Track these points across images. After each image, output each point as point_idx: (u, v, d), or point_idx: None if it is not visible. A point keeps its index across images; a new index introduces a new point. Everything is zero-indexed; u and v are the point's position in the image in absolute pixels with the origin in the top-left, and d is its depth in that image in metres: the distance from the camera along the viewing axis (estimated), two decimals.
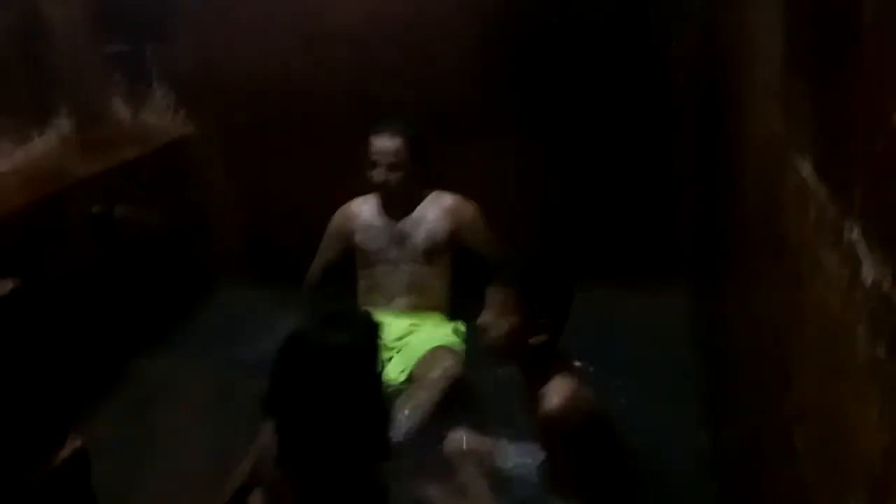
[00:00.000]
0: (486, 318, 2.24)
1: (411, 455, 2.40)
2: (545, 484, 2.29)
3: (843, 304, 1.08)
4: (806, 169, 1.31)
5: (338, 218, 3.45)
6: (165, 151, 3.52)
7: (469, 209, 3.35)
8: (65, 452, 1.79)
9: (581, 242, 3.44)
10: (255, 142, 3.70)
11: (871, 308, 0.97)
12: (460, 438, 2.54)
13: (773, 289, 1.62)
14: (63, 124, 3.13)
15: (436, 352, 3.04)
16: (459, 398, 2.83)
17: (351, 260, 3.42)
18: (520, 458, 2.42)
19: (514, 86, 3.53)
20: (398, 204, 3.32)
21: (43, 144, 3.02)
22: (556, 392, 2.12)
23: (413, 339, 3.16)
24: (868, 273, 0.98)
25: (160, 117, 3.63)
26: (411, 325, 3.23)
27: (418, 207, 3.33)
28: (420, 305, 3.29)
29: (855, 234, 1.03)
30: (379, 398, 1.91)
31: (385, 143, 3.21)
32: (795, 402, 1.40)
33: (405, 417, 2.68)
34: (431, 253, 3.29)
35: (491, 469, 2.45)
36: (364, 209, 3.39)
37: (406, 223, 3.32)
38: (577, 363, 2.34)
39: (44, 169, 2.93)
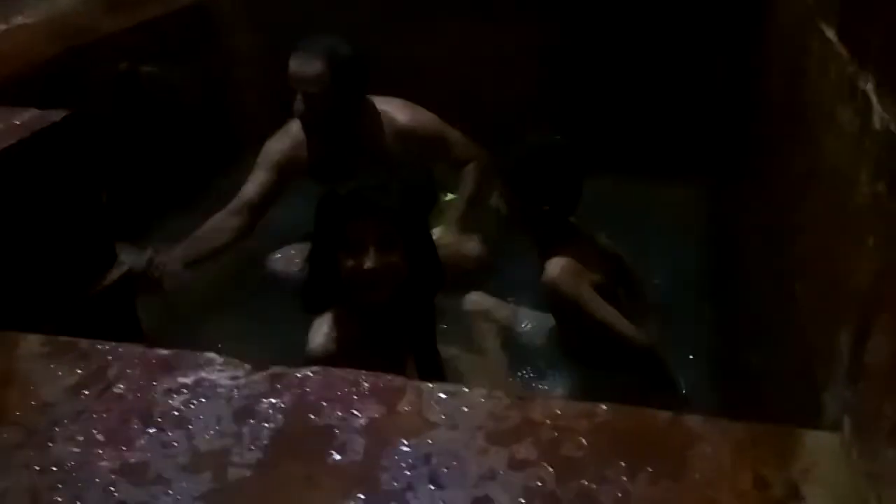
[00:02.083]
0: (496, 199, 2.34)
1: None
2: (554, 347, 2.40)
3: (852, 152, 1.16)
4: (830, 33, 1.37)
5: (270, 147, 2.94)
6: (191, 11, 3.50)
7: (426, 127, 2.85)
8: (113, 275, 1.89)
9: (598, 130, 3.29)
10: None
11: (876, 151, 1.05)
12: (477, 300, 2.65)
13: (788, 156, 1.69)
14: None
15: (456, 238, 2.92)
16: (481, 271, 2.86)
17: None
18: (533, 321, 2.53)
19: None
20: (325, 139, 2.80)
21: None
22: (553, 265, 2.21)
23: None
24: (877, 119, 1.06)
25: None
26: None
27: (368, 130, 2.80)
28: None
29: (869, 85, 1.11)
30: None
31: (303, 68, 2.64)
32: (799, 255, 1.49)
33: None
34: None
35: (505, 329, 2.56)
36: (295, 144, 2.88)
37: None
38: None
39: (69, 23, 2.92)
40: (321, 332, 1.88)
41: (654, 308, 2.50)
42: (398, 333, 1.95)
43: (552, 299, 2.25)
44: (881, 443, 0.95)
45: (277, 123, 3.02)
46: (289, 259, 2.82)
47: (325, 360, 1.79)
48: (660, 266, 2.80)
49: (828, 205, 1.30)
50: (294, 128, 2.84)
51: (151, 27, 3.19)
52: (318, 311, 1.93)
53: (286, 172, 2.86)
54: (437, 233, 2.87)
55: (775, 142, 1.89)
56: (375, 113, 2.82)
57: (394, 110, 2.83)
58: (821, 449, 1.09)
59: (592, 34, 3.40)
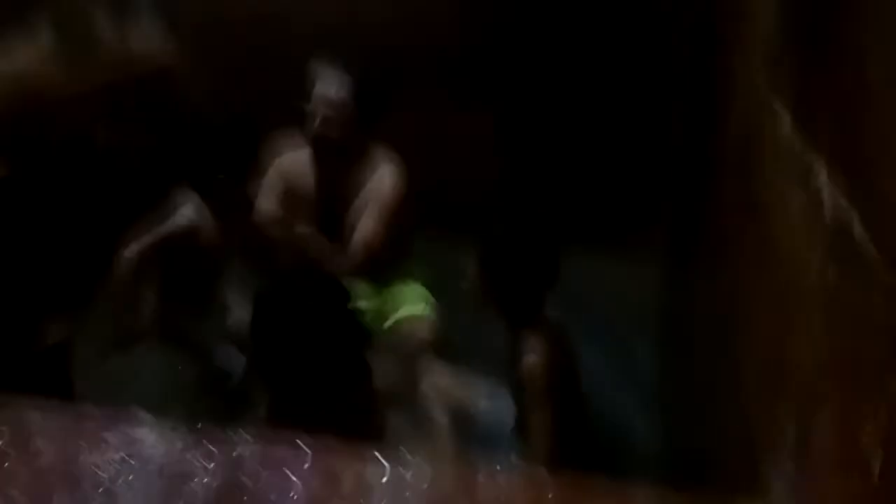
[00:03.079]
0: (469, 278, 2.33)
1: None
2: (513, 429, 2.35)
3: (803, 237, 1.17)
4: (784, 116, 1.40)
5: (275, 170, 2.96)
6: (152, 79, 3.45)
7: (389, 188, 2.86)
8: (52, 337, 1.86)
9: (557, 206, 3.25)
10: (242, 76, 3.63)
11: (828, 238, 1.06)
12: (434, 376, 2.61)
13: (741, 236, 1.71)
14: (46, 39, 3.06)
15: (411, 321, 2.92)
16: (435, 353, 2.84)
17: None
18: (495, 404, 2.49)
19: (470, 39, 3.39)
20: (333, 163, 2.83)
21: (24, 58, 2.96)
22: (535, 349, 2.19)
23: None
24: (829, 205, 1.07)
25: (148, 44, 3.56)
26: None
27: (357, 174, 2.86)
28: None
29: (821, 170, 1.12)
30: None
31: (330, 92, 2.70)
32: (749, 337, 1.50)
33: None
34: None
35: (462, 407, 2.52)
36: (301, 166, 2.90)
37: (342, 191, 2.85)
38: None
39: (25, 83, 2.87)
40: None
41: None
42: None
43: (527, 382, 2.22)
44: None
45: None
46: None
47: None
48: (609, 346, 2.84)
49: (778, 289, 1.31)
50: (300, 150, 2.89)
51: (110, 90, 3.14)
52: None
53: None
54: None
55: (728, 223, 1.91)
56: (373, 147, 2.87)
57: (389, 161, 2.88)
58: None
59: (541, 121, 3.48)
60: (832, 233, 1.04)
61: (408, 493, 1.10)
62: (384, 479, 1.12)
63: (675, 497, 1.12)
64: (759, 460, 1.24)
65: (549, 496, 1.11)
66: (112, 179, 3.05)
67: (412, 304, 2.95)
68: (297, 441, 1.17)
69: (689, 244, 2.73)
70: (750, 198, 1.64)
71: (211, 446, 1.15)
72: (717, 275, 2.01)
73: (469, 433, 2.42)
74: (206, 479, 1.10)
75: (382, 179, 2.84)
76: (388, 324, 2.91)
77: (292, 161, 2.89)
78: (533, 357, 2.16)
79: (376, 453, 1.17)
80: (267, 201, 2.90)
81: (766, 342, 1.36)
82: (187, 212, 2.70)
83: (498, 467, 2.15)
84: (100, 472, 1.11)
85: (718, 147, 2.25)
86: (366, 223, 2.82)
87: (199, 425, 1.18)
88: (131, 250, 2.68)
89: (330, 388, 1.86)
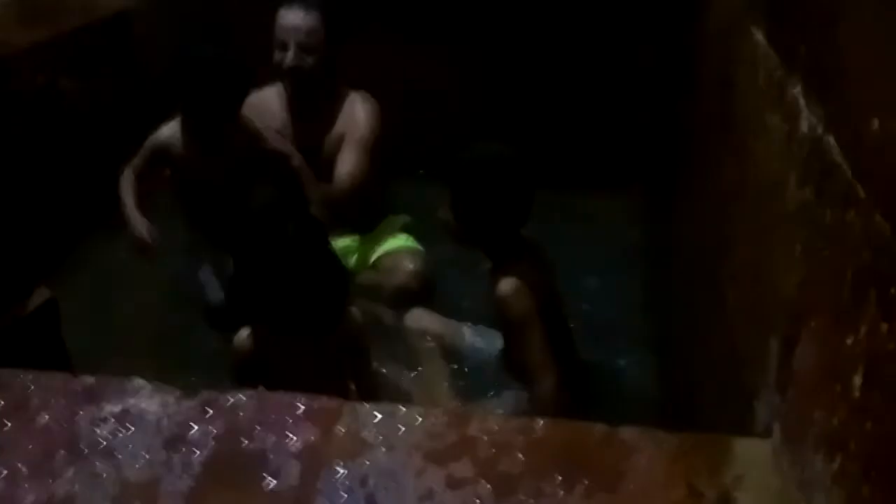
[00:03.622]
0: (444, 212, 2.28)
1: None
2: (501, 369, 2.36)
3: (781, 158, 1.16)
4: (759, 36, 1.38)
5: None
6: (111, 23, 3.38)
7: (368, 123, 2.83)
8: (35, 301, 1.85)
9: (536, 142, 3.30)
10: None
11: (804, 156, 1.06)
12: (417, 317, 2.61)
13: (720, 165, 1.70)
14: None
15: (396, 254, 2.90)
16: (422, 288, 2.78)
17: None
18: (478, 339, 2.48)
19: None
20: (308, 98, 2.80)
21: None
22: (506, 284, 2.16)
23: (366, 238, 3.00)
24: (805, 124, 1.07)
25: None
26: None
27: (331, 109, 2.83)
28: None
29: (797, 89, 1.11)
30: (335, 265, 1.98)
31: (298, 19, 2.66)
32: (730, 265, 1.50)
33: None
34: None
35: (447, 346, 2.52)
36: (271, 104, 2.85)
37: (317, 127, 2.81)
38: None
39: None
40: (245, 335, 1.93)
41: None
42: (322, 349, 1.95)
43: (503, 317, 2.21)
44: (809, 450, 0.95)
45: None
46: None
47: (249, 355, 1.87)
48: (590, 280, 2.81)
49: (758, 213, 1.31)
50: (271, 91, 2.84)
51: (70, 39, 3.08)
52: (230, 329, 1.96)
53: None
54: (377, 251, 2.90)
55: (706, 149, 1.90)
56: (346, 90, 2.85)
57: (360, 95, 2.84)
58: (752, 456, 1.10)
59: (518, 48, 3.43)
60: (808, 151, 1.03)
61: (401, 443, 1.11)
62: (376, 430, 1.13)
63: (667, 437, 1.14)
64: (746, 391, 1.26)
65: (542, 438, 1.13)
66: (77, 128, 3.03)
67: (395, 240, 2.95)
68: (292, 395, 1.19)
69: (667, 173, 2.73)
70: (728, 121, 1.64)
71: (208, 406, 1.17)
72: (697, 203, 2.01)
73: (454, 369, 2.45)
74: (202, 437, 1.12)
75: (357, 114, 2.81)
76: (373, 258, 2.91)
77: (261, 99, 2.82)
78: (509, 287, 2.15)
79: (368, 405, 1.19)
80: None
81: (748, 267, 1.36)
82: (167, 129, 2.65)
83: (488, 404, 2.22)
84: (98, 432, 1.12)
85: (695, 70, 2.24)
86: (348, 157, 2.78)
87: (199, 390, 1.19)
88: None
89: (312, 326, 1.87)
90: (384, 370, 2.35)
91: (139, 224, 2.55)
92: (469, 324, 2.55)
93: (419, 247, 2.92)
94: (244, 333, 1.92)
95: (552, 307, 2.26)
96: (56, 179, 2.92)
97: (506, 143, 2.25)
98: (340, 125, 2.80)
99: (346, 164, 2.77)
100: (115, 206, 2.64)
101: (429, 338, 2.55)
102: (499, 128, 3.14)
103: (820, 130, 0.99)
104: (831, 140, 0.95)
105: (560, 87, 3.45)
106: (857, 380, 0.82)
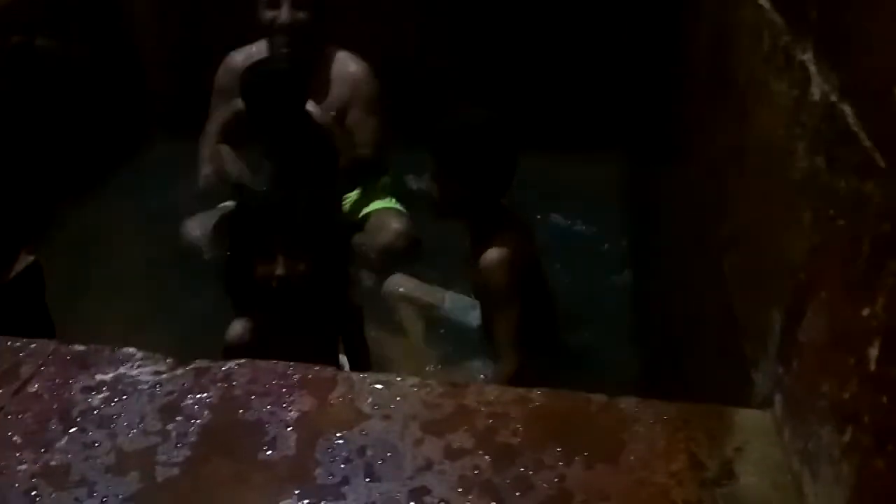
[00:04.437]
0: (428, 182, 2.24)
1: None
2: (481, 332, 2.34)
3: (788, 125, 1.14)
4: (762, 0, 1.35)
5: (223, 75, 2.86)
6: None
7: (371, 83, 2.85)
8: (18, 267, 1.82)
9: (520, 106, 3.03)
10: None
11: (815, 124, 1.04)
12: (400, 282, 2.59)
13: (715, 129, 1.68)
14: None
15: (381, 214, 2.88)
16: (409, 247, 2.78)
17: None
18: (458, 306, 2.47)
19: None
20: (300, 55, 2.72)
21: None
22: (493, 251, 2.13)
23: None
24: (816, 90, 1.04)
25: None
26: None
27: (321, 67, 2.79)
28: None
29: (808, 55, 1.09)
30: None
31: None
32: (727, 232, 1.49)
33: None
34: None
35: (430, 312, 2.51)
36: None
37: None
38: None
39: None
40: (238, 324, 1.91)
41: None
42: (319, 323, 1.94)
43: (485, 287, 2.18)
44: (815, 423, 0.94)
45: (186, 101, 2.91)
46: (205, 226, 2.71)
47: (242, 350, 1.81)
48: (582, 246, 2.83)
49: (760, 179, 1.29)
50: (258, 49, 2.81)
51: None
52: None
53: None
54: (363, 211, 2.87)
55: (701, 114, 1.87)
56: (333, 49, 2.83)
57: (349, 55, 2.85)
58: (752, 427, 1.09)
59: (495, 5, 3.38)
60: (820, 118, 1.01)
61: (398, 413, 1.10)
62: (372, 400, 1.12)
63: (667, 407, 1.13)
64: (745, 361, 1.25)
65: (540, 408, 1.12)
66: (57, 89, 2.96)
67: (381, 201, 2.93)
68: (285, 364, 1.17)
69: (653, 137, 2.71)
70: (725, 86, 1.61)
71: (201, 376, 1.14)
72: (688, 168, 1.99)
73: (434, 335, 2.44)
74: (197, 407, 1.09)
75: (357, 76, 2.81)
76: (359, 217, 2.89)
77: (248, 59, 2.75)
78: (495, 256, 2.11)
79: (362, 375, 1.18)
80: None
81: (746, 235, 1.35)
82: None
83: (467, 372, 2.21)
84: (90, 401, 1.10)
85: (687, 35, 2.21)
86: (368, 122, 2.82)
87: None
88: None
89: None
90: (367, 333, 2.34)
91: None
92: (450, 291, 2.54)
93: (403, 209, 2.91)
94: (238, 325, 1.90)
95: (536, 278, 2.24)
96: (37, 142, 2.86)
97: (487, 108, 2.23)
98: (338, 85, 2.80)
99: (368, 130, 2.82)
100: (101, 170, 2.61)
101: (410, 303, 2.54)
102: (476, 91, 3.16)
103: (834, 98, 0.97)
104: (846, 108, 0.93)
105: (540, 48, 3.40)
106: (873, 352, 0.81)
